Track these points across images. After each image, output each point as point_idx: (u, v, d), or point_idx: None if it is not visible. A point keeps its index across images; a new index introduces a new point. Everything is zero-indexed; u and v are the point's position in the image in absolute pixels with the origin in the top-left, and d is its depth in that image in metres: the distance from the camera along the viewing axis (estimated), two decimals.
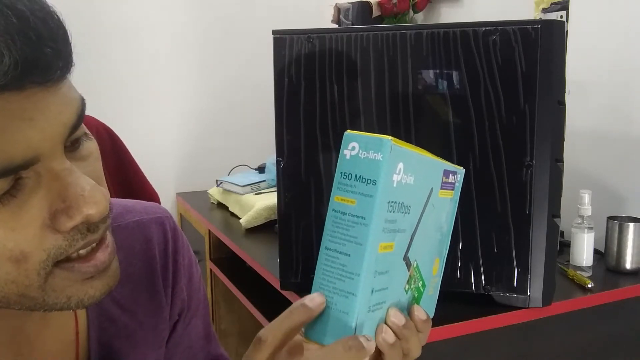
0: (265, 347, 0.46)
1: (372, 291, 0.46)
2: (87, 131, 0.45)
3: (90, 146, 0.45)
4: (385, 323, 0.49)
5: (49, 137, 0.38)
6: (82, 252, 0.43)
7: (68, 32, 0.40)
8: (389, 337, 0.48)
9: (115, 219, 0.62)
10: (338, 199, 0.46)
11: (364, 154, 0.45)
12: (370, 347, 0.45)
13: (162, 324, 0.64)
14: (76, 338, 0.56)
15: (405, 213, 0.49)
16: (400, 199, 0.47)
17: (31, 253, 0.39)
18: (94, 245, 0.44)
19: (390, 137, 0.44)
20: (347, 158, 0.45)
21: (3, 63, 0.35)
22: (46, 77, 0.37)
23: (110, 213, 0.45)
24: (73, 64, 0.40)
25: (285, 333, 0.46)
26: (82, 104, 0.42)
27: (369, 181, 0.44)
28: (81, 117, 0.42)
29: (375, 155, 0.44)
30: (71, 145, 0.42)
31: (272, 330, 0.46)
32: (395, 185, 0.46)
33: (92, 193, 0.40)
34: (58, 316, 0.55)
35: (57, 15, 0.40)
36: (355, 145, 0.45)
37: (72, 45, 0.40)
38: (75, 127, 0.41)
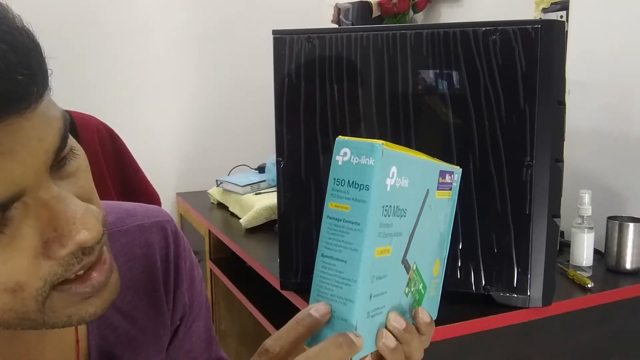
0: (272, 358, 0.45)
1: (371, 296, 0.46)
2: (75, 144, 0.42)
3: (77, 161, 0.42)
4: (386, 327, 0.48)
5: (31, 167, 0.36)
6: (79, 272, 0.41)
7: (41, 47, 0.36)
8: (390, 341, 0.48)
9: (116, 223, 0.61)
10: (332, 206, 0.45)
11: (356, 160, 0.44)
12: (360, 343, 0.44)
13: (163, 329, 0.63)
14: (76, 346, 0.55)
15: (401, 216, 0.48)
16: (395, 202, 0.47)
17: (27, 282, 0.38)
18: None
19: (381, 142, 0.44)
20: (339, 164, 0.45)
21: None
22: (21, 106, 0.34)
23: (105, 230, 0.43)
24: (49, 84, 0.37)
25: (292, 343, 0.45)
26: (65, 122, 0.39)
27: (361, 187, 0.44)
28: (65, 137, 0.39)
29: (367, 161, 0.44)
30: (57, 165, 0.40)
31: (278, 340, 0.45)
32: (389, 189, 0.46)
33: (84, 219, 0.39)
34: None
35: (26, 32, 0.36)
36: (347, 151, 0.45)
37: (46, 61, 0.37)
38: (59, 149, 0.38)
